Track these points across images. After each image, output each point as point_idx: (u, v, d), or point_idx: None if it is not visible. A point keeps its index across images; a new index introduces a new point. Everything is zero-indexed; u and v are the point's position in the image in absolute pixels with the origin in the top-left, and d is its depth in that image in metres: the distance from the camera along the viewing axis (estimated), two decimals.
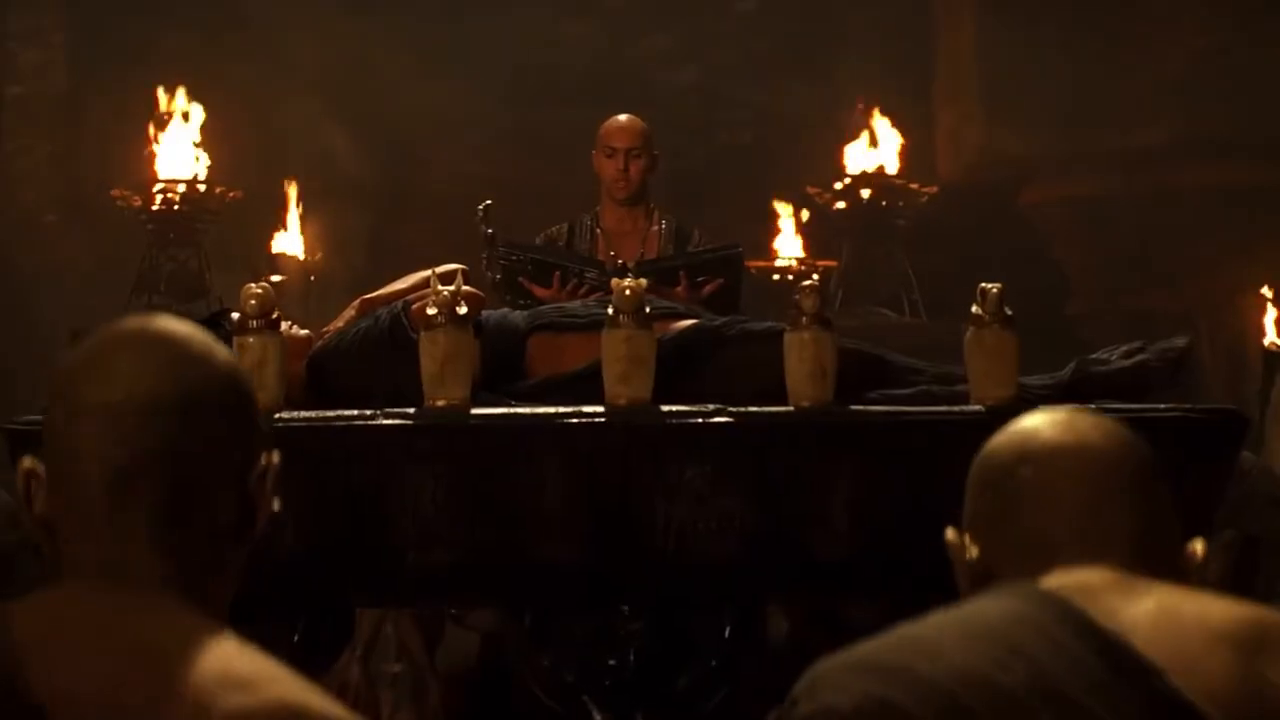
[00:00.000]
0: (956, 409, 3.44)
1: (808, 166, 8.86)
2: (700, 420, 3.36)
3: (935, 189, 8.17)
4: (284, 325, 3.72)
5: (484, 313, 3.70)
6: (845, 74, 9.56)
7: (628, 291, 3.38)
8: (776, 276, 7.95)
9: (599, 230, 5.35)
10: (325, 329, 3.82)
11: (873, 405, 3.50)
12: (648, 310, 3.40)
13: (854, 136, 8.29)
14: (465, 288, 3.47)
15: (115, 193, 7.85)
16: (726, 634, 3.57)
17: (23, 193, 9.39)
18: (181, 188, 7.73)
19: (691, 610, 3.58)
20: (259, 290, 3.44)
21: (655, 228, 5.36)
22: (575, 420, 3.36)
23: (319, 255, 8.72)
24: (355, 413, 3.39)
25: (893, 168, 8.13)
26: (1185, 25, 8.68)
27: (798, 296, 3.44)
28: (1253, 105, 8.57)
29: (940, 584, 3.47)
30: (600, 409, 3.37)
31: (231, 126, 8.48)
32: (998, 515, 1.81)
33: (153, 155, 7.83)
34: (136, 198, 7.76)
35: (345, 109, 9.30)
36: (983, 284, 3.52)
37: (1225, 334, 8.80)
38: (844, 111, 8.84)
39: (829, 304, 3.33)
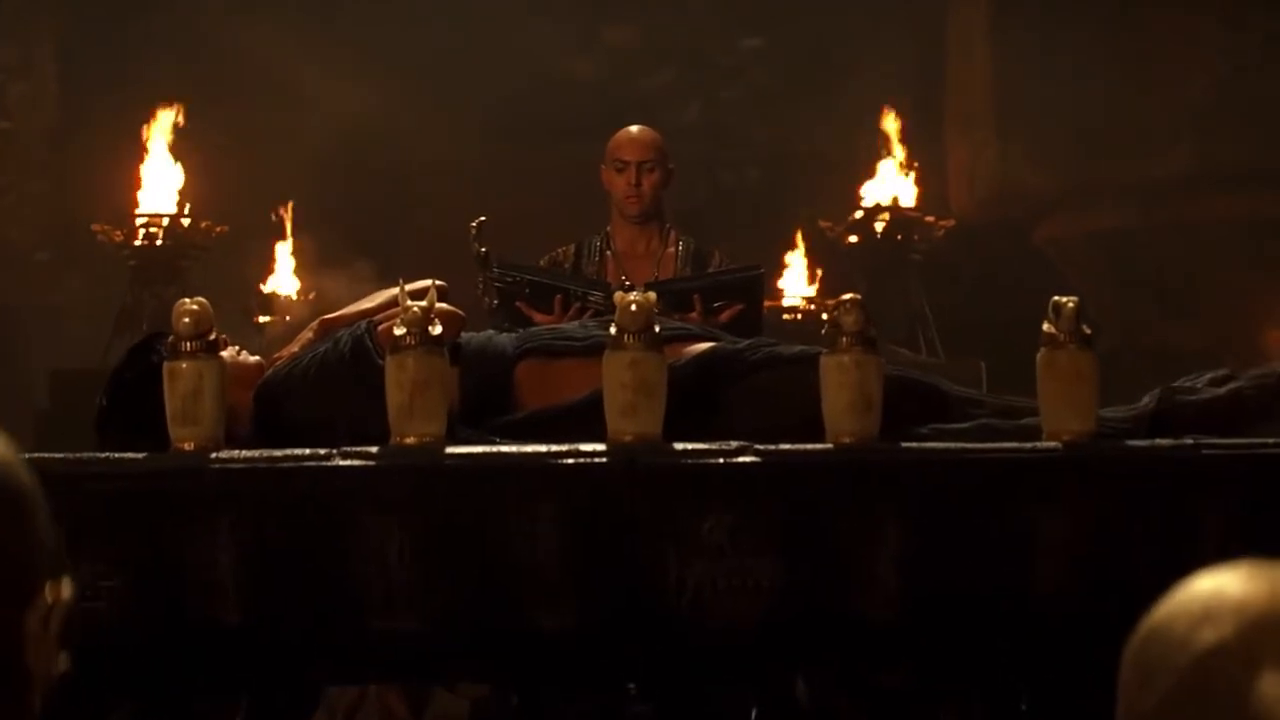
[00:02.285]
0: (1027, 446, 2.75)
1: (816, 203, 8.23)
2: (721, 460, 2.67)
3: (952, 222, 7.48)
4: (230, 350, 3.05)
5: (464, 335, 3.02)
6: (854, 108, 8.92)
7: (634, 308, 2.69)
8: (787, 316, 7.28)
9: (609, 252, 4.69)
10: (278, 354, 3.13)
11: (926, 442, 2.82)
12: (657, 331, 2.71)
13: (872, 165, 7.61)
14: (440, 304, 2.79)
15: (96, 227, 7.18)
16: (753, 716, 2.86)
17: (12, 230, 8.75)
18: (165, 222, 7.05)
19: (710, 687, 2.86)
20: (194, 306, 2.76)
21: (671, 249, 4.69)
22: (571, 460, 2.68)
23: (312, 294, 8.07)
24: (308, 452, 2.70)
25: (907, 200, 7.45)
26: (1205, 50, 8.01)
27: (837, 312, 2.76)
28: (1276, 133, 7.90)
29: (1003, 652, 2.73)
30: (601, 447, 2.69)
31: (222, 161, 7.86)
32: None
33: (135, 188, 7.16)
34: (118, 232, 7.08)
35: (341, 145, 8.69)
36: (1056, 297, 2.84)
37: (1248, 368, 8.10)
38: (857, 142, 8.19)
39: (865, 320, 2.62)
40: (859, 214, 7.41)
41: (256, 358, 3.10)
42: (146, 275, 7.14)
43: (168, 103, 7.61)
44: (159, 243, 7.09)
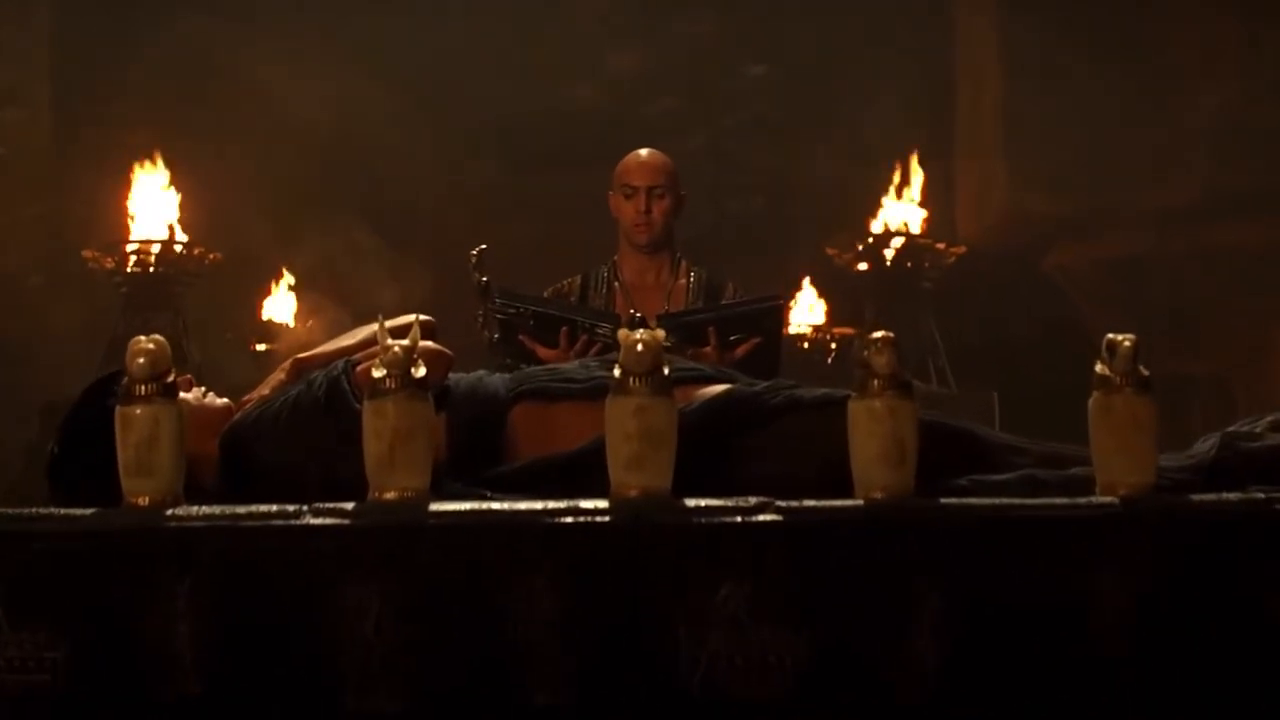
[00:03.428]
0: (1081, 502, 2.40)
1: (823, 230, 7.91)
2: (738, 519, 2.32)
3: (964, 249, 7.13)
4: (195, 391, 2.70)
5: (452, 376, 2.67)
6: (860, 135, 8.60)
7: (640, 347, 2.34)
8: (806, 345, 6.94)
9: (617, 283, 4.34)
10: (247, 397, 2.78)
11: (966, 496, 2.46)
12: (667, 372, 2.36)
13: (880, 192, 7.27)
14: (425, 343, 2.44)
15: (86, 254, 6.85)
16: None
17: (6, 256, 8.40)
18: (156, 248, 6.71)
19: None
20: (149, 345, 2.41)
21: (683, 280, 4.34)
22: (570, 519, 2.32)
23: (311, 322, 7.74)
24: (275, 509, 2.35)
25: (917, 226, 7.11)
26: (1218, 73, 7.66)
27: (867, 352, 2.40)
28: None
29: None
30: (603, 504, 2.34)
31: (217, 186, 7.54)
32: None
33: (127, 214, 6.83)
34: (109, 259, 6.75)
35: (342, 170, 8.37)
36: (1111, 335, 2.49)
37: (1264, 400, 7.76)
38: (864, 169, 7.86)
39: (898, 361, 2.27)
40: (868, 241, 7.07)
41: (224, 400, 2.74)
42: (138, 303, 6.82)
43: (169, 128, 7.32)
44: (151, 269, 6.75)
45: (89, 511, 2.39)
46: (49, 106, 8.49)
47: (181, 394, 2.68)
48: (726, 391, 2.63)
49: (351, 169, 8.42)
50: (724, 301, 4.22)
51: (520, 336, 3.91)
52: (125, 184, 7.22)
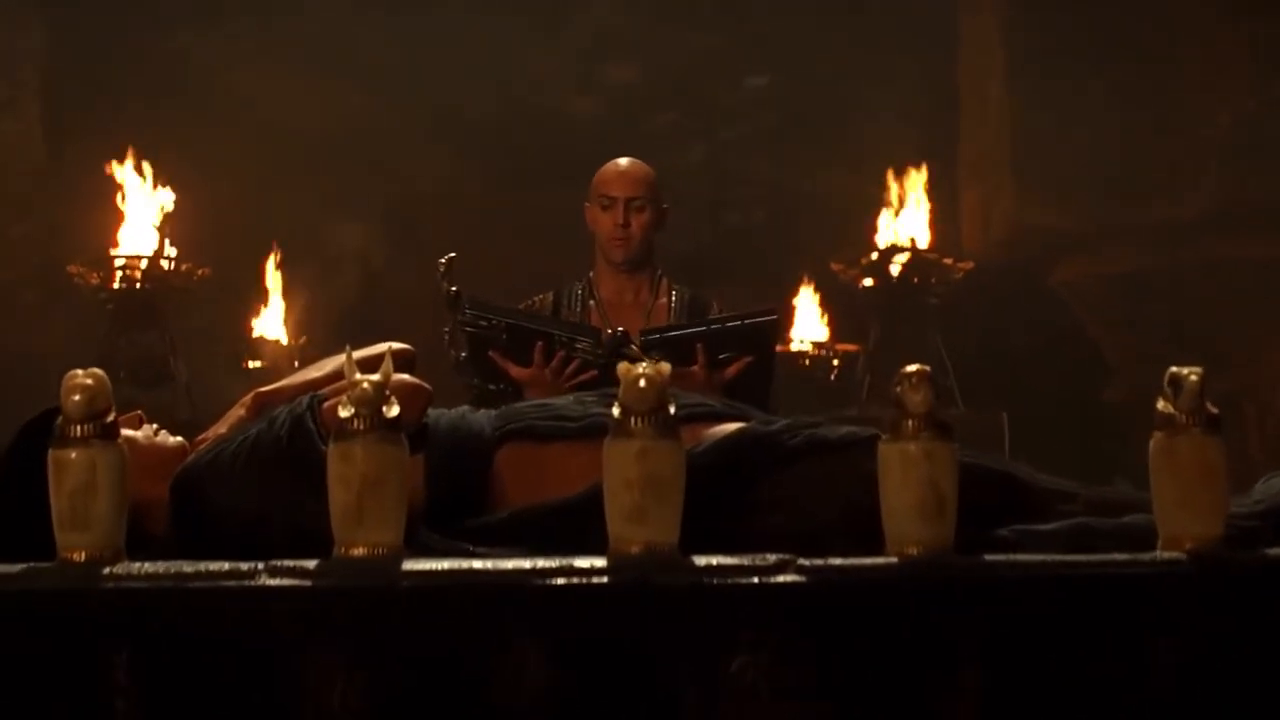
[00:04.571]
0: (1144, 559, 2.06)
1: (824, 244, 7.59)
2: (755, 580, 1.98)
3: (971, 264, 6.79)
4: (145, 428, 2.36)
5: (432, 412, 2.33)
6: (862, 147, 8.27)
7: (643, 382, 2.01)
8: (806, 362, 6.61)
9: (592, 301, 3.95)
10: (203, 435, 2.43)
11: (1012, 552, 2.13)
12: (673, 411, 2.03)
13: (882, 206, 6.94)
14: (399, 376, 2.10)
15: (72, 269, 6.52)
16: None
17: None
18: (143, 264, 6.37)
19: None
20: (86, 380, 2.07)
21: (663, 300, 3.95)
22: (563, 580, 1.99)
23: (304, 338, 7.41)
24: (226, 568, 2.01)
25: (924, 241, 6.77)
26: (1230, 84, 7.32)
27: (899, 388, 2.07)
28: None
29: None
30: (602, 562, 2.00)
31: (210, 200, 7.22)
32: None
33: (114, 229, 6.51)
34: (94, 274, 6.41)
35: (335, 184, 8.05)
36: (1174, 369, 2.15)
37: (1275, 418, 7.45)
38: (866, 183, 7.54)
39: (935, 398, 1.92)
40: (873, 256, 6.73)
41: (177, 439, 2.40)
42: (125, 320, 6.48)
43: (162, 141, 7.01)
44: (138, 285, 6.42)
45: (15, 568, 2.05)
46: (40, 121, 8.16)
47: (129, 431, 2.36)
48: (739, 431, 2.28)
49: (345, 182, 8.10)
50: (720, 315, 3.84)
51: (491, 353, 3.54)
52: (115, 199, 6.90)
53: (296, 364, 7.33)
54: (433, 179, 8.34)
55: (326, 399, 2.24)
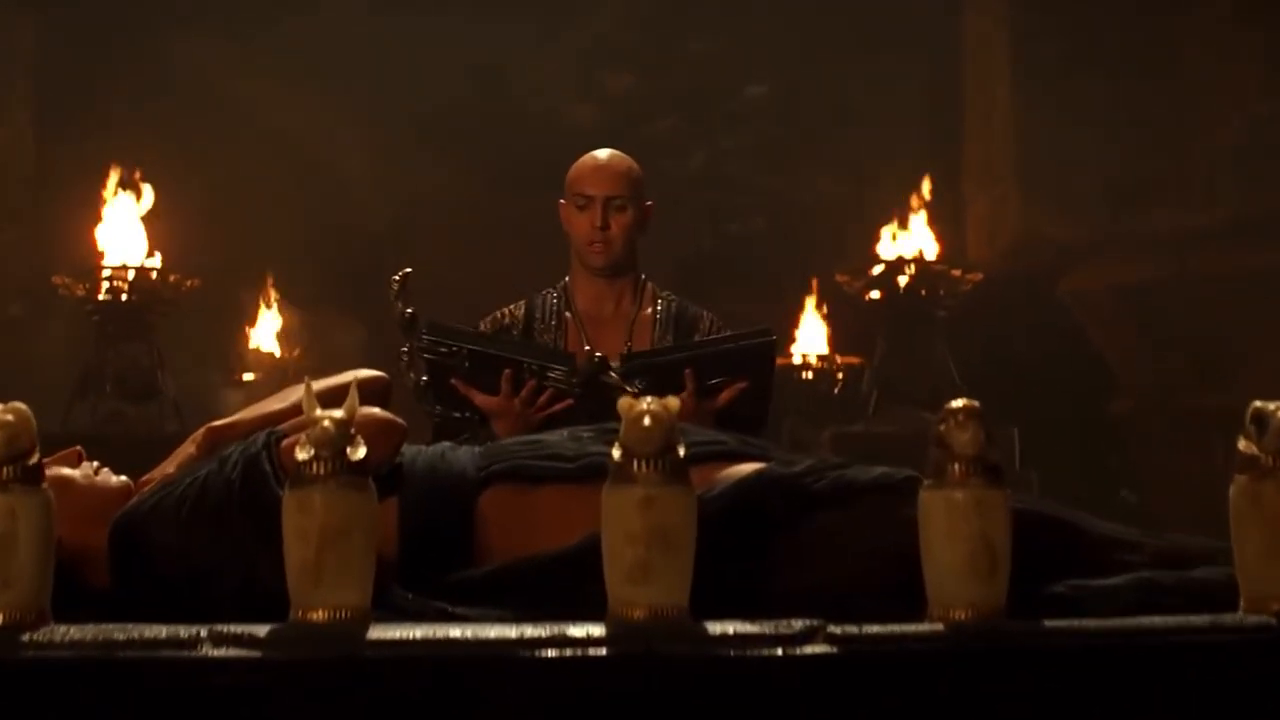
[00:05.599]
0: (1227, 621, 1.74)
1: (826, 254, 7.28)
2: (779, 651, 1.66)
3: (980, 276, 6.47)
4: (84, 466, 2.04)
5: (408, 449, 2.01)
6: (865, 155, 7.97)
7: (647, 420, 1.69)
8: (809, 375, 6.29)
9: (569, 313, 3.42)
10: (148, 475, 2.11)
11: (1072, 616, 1.81)
12: (683, 453, 1.71)
13: (887, 216, 6.62)
14: (367, 410, 1.78)
15: (56, 280, 6.19)
16: None
17: None
18: (130, 274, 6.05)
19: None
20: (7, 416, 1.75)
21: (648, 310, 3.42)
22: (556, 651, 1.67)
23: (297, 351, 7.08)
24: (164, 634, 1.69)
25: (931, 252, 6.45)
26: (1243, 90, 7.00)
27: (944, 427, 1.75)
28: None
29: None
30: (599, 630, 1.68)
31: (199, 210, 6.91)
32: None
33: (97, 238, 6.18)
34: (80, 286, 6.08)
35: (325, 192, 7.75)
36: (1257, 403, 1.84)
37: None
38: (868, 192, 7.24)
39: (985, 438, 1.59)
40: (879, 268, 6.41)
41: (121, 479, 2.07)
42: (111, 332, 6.14)
43: (153, 151, 6.70)
44: (124, 297, 6.09)
45: None
46: (30, 127, 7.84)
47: (66, 471, 2.04)
48: (757, 474, 1.94)
49: (338, 193, 7.82)
50: (698, 339, 3.35)
51: (452, 381, 3.07)
52: (103, 208, 6.59)
53: (290, 376, 7.05)
54: (430, 189, 8.05)
55: (287, 436, 1.92)
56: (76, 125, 7.63)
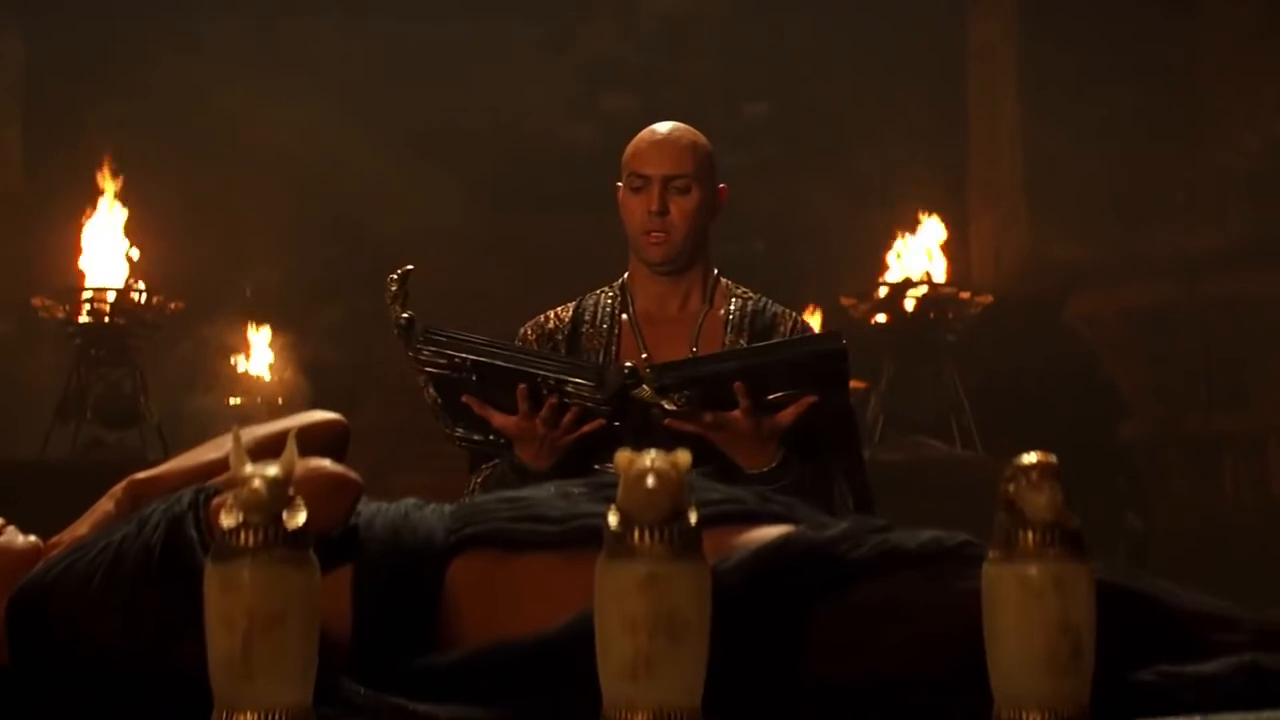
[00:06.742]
0: None
1: (827, 275, 6.97)
2: None
3: (989, 298, 6.13)
4: None
5: (365, 508, 1.65)
6: (866, 176, 7.65)
7: (650, 480, 1.33)
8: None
9: (625, 315, 2.79)
10: (57, 537, 1.74)
11: (1165, 707, 1.45)
12: (694, 519, 1.35)
13: (889, 238, 6.30)
14: (312, 464, 1.43)
15: (36, 301, 5.85)
16: None
17: None
18: (112, 296, 5.71)
19: None
20: None
21: (720, 310, 2.77)
22: None
23: (287, 374, 6.75)
24: None
25: (940, 275, 6.13)
26: (1256, 109, 6.68)
27: (1013, 486, 1.40)
28: None
29: None
30: None
31: (186, 230, 6.58)
32: None
33: (80, 259, 5.86)
34: (60, 307, 5.75)
35: (320, 213, 7.43)
36: None
37: None
38: (870, 213, 6.92)
39: (1065, 501, 1.21)
40: (884, 290, 6.08)
41: (29, 539, 1.71)
42: (93, 355, 5.80)
43: (144, 169, 6.39)
44: (106, 319, 5.75)
45: None
46: (19, 141, 7.53)
47: None
48: (783, 539, 1.55)
49: (332, 212, 7.50)
50: (764, 343, 2.67)
51: (464, 399, 2.49)
52: (84, 228, 6.28)
53: (280, 401, 6.71)
54: (424, 208, 7.74)
55: (219, 492, 1.56)
56: (65, 145, 7.32)
